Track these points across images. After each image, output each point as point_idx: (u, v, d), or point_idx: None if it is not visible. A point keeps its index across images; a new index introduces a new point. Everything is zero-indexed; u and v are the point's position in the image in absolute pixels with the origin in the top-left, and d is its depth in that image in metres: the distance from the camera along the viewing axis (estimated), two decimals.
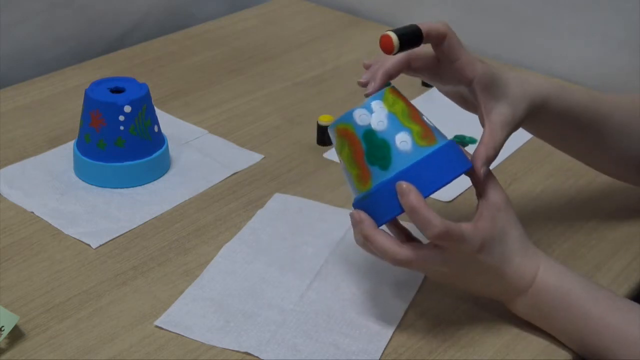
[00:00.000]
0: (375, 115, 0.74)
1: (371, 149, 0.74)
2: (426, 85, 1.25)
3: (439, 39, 0.77)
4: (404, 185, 0.71)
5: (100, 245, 0.89)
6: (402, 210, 0.72)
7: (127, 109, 0.96)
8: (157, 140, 1.01)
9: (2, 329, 0.75)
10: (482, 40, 1.37)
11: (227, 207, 0.97)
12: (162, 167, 1.02)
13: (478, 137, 1.12)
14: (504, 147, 1.11)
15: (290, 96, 1.22)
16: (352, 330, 0.79)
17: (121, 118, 0.96)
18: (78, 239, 0.90)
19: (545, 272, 0.76)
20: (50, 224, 0.92)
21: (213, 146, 1.08)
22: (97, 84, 0.99)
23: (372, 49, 1.37)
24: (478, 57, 0.80)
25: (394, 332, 0.79)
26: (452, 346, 0.78)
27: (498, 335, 0.79)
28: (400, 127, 0.74)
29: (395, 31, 0.75)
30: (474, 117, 1.18)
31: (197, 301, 0.82)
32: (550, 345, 0.78)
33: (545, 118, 0.84)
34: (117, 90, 0.98)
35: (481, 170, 0.77)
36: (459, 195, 0.99)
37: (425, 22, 0.77)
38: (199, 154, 1.06)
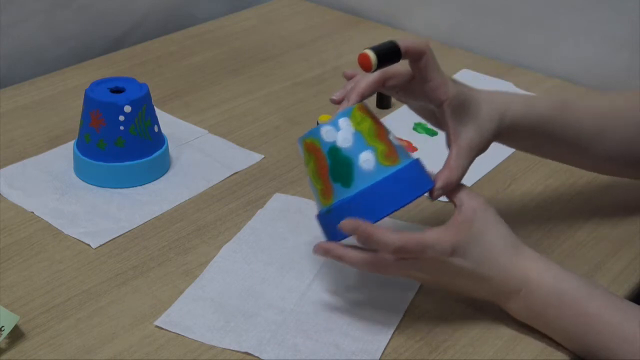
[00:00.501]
0: (341, 133, 0.75)
1: (335, 166, 0.75)
2: None
3: (418, 56, 0.78)
4: (346, 224, 0.74)
5: (100, 245, 0.89)
6: (375, 218, 0.74)
7: (127, 109, 0.96)
8: (157, 140, 1.01)
9: (2, 329, 0.75)
10: (482, 40, 1.37)
11: (227, 207, 0.97)
12: (162, 167, 1.02)
13: None
14: (504, 147, 1.11)
15: (290, 96, 1.22)
16: (352, 330, 0.79)
17: (121, 118, 0.96)
18: (78, 239, 0.90)
19: (539, 273, 0.76)
20: (50, 224, 0.92)
21: (213, 146, 1.08)
22: (97, 84, 0.99)
23: None
24: (451, 78, 0.80)
25: (394, 332, 0.79)
26: (452, 346, 0.78)
27: (498, 336, 0.79)
28: (364, 146, 0.75)
29: (374, 48, 0.76)
30: None
31: (197, 301, 0.82)
32: (550, 346, 0.78)
33: (516, 135, 0.85)
34: (117, 90, 0.98)
35: (436, 193, 0.79)
36: None
37: (406, 38, 0.77)
38: (199, 154, 1.06)
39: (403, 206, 0.75)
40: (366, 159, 0.74)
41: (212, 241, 0.91)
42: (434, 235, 0.74)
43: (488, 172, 1.04)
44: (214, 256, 0.88)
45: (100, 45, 1.38)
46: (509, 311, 0.79)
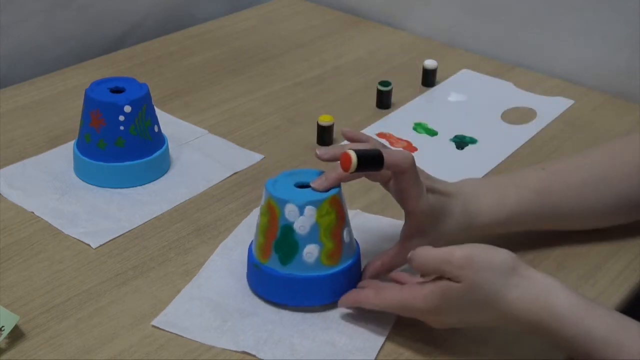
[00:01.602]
0: (302, 219, 0.77)
1: (282, 241, 0.78)
2: (426, 85, 1.25)
3: (398, 172, 0.77)
4: (344, 299, 0.80)
5: (100, 245, 0.89)
6: (282, 301, 0.80)
7: (127, 109, 0.96)
8: (157, 140, 1.01)
9: (2, 329, 0.75)
10: (482, 40, 1.37)
11: (227, 207, 0.97)
12: (162, 167, 1.02)
13: (478, 137, 1.13)
14: (504, 146, 1.11)
15: (290, 96, 1.22)
16: (349, 329, 0.79)
17: (121, 118, 0.96)
18: (78, 239, 0.90)
19: (553, 313, 0.70)
20: (50, 224, 0.92)
21: (213, 146, 1.08)
22: (97, 84, 0.99)
23: (372, 49, 1.38)
24: (432, 183, 0.81)
25: (392, 332, 0.79)
26: (452, 346, 0.78)
27: (498, 335, 0.79)
28: (315, 239, 0.78)
29: (358, 151, 0.75)
30: (475, 118, 1.18)
31: (194, 300, 0.82)
32: (550, 345, 0.78)
33: (487, 231, 0.86)
34: (117, 90, 0.98)
35: (363, 281, 0.82)
36: None
37: (391, 153, 0.77)
38: (199, 154, 1.06)
39: (319, 305, 0.80)
40: (310, 252, 0.78)
41: (212, 241, 0.91)
42: (408, 297, 0.74)
43: (487, 172, 1.04)
44: None
45: (100, 45, 1.38)
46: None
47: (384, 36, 1.43)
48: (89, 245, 0.89)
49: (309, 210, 0.77)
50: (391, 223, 0.93)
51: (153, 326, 0.79)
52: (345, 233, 0.80)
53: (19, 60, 1.28)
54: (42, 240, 0.90)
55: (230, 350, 0.76)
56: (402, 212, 0.96)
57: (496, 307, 0.71)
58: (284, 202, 0.77)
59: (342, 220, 0.79)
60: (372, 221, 0.94)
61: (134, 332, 0.78)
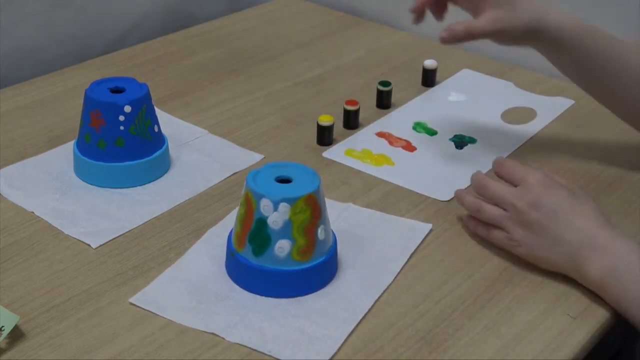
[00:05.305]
0: (276, 214, 0.79)
1: (256, 234, 0.80)
2: (426, 85, 1.25)
3: None
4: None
5: (100, 245, 0.89)
6: (253, 290, 0.82)
7: (127, 109, 0.96)
8: (157, 140, 1.01)
9: (2, 329, 0.75)
10: (482, 40, 1.37)
11: (227, 207, 0.97)
12: (162, 167, 1.02)
13: (478, 137, 1.13)
14: (504, 146, 1.11)
15: (290, 96, 1.22)
16: (320, 317, 0.80)
17: (121, 118, 0.96)
18: (78, 239, 0.90)
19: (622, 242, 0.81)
20: (50, 224, 0.92)
21: (213, 146, 1.08)
22: (97, 84, 0.99)
23: (372, 49, 1.38)
24: None
25: (392, 332, 0.79)
26: (452, 346, 0.78)
27: (498, 335, 0.79)
28: (288, 235, 0.80)
29: None
30: (475, 118, 1.18)
31: (173, 282, 0.84)
32: (550, 346, 0.78)
33: (546, 45, 1.01)
34: (117, 90, 0.98)
35: (442, 34, 0.98)
36: None
37: None
38: (199, 154, 1.06)
39: (289, 297, 0.82)
40: (282, 247, 0.80)
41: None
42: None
43: (487, 173, 1.04)
44: None
45: (100, 45, 1.38)
46: (584, 276, 0.82)
47: (384, 36, 1.43)
48: (89, 245, 0.89)
49: (283, 207, 0.78)
50: (384, 217, 0.93)
51: (131, 303, 0.80)
52: (320, 230, 0.81)
53: (19, 60, 1.28)
54: (42, 240, 0.90)
55: (232, 350, 0.76)
56: (401, 211, 0.97)
57: (572, 221, 0.83)
58: (259, 196, 0.79)
59: (317, 218, 0.80)
60: (364, 214, 0.94)
61: (134, 332, 0.78)
